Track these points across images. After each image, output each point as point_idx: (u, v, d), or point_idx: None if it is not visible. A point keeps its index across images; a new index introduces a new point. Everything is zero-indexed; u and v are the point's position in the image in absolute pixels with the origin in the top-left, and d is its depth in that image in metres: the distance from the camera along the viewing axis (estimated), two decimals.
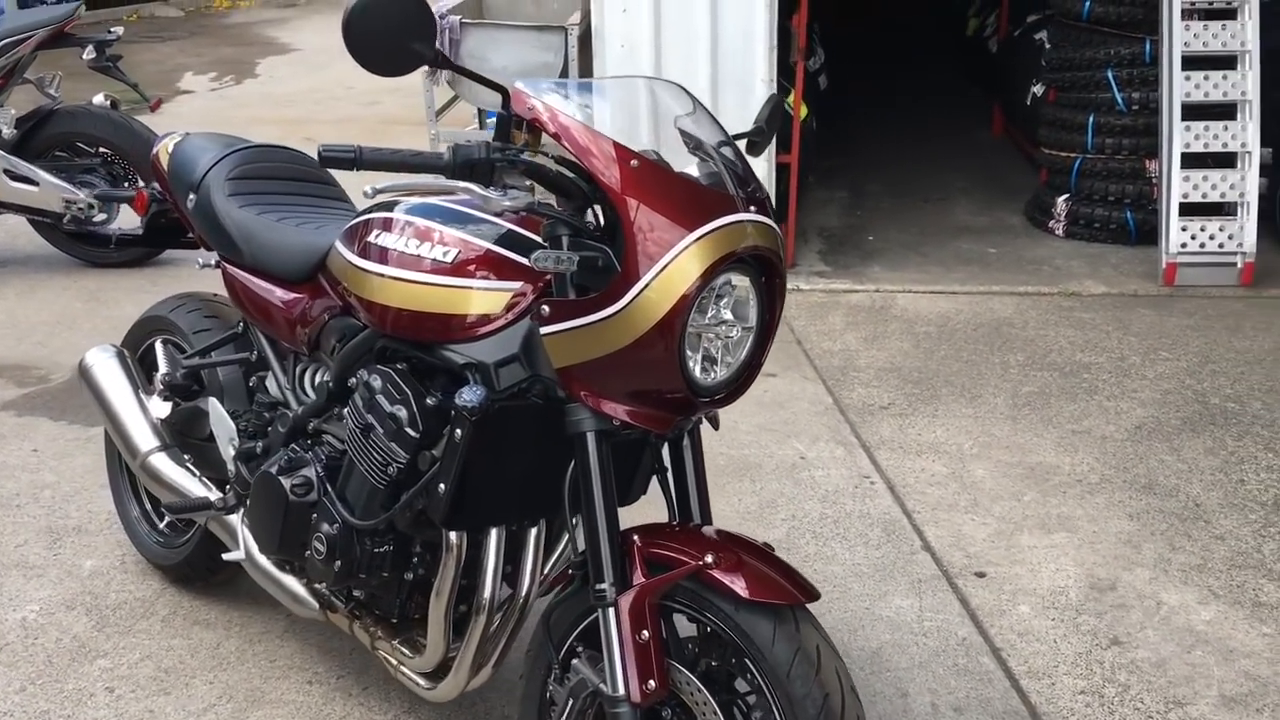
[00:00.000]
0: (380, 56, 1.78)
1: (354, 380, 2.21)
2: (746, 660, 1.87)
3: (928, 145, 7.80)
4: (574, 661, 2.04)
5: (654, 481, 2.19)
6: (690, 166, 1.93)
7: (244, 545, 2.55)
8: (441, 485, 2.04)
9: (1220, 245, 5.29)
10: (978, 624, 2.97)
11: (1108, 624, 2.97)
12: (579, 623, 2.06)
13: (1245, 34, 5.24)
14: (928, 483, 3.66)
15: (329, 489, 2.27)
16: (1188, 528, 3.41)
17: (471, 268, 2.02)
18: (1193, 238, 5.29)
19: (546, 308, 1.89)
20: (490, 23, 5.57)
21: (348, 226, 2.29)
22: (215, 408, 2.66)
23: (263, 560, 2.53)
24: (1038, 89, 6.60)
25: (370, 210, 2.26)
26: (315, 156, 1.86)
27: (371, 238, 2.17)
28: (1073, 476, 3.71)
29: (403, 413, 2.07)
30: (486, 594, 2.16)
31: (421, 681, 2.32)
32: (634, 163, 1.83)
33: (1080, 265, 5.65)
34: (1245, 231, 5.27)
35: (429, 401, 2.07)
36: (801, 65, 5.44)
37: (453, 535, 2.13)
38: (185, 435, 2.84)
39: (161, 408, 2.83)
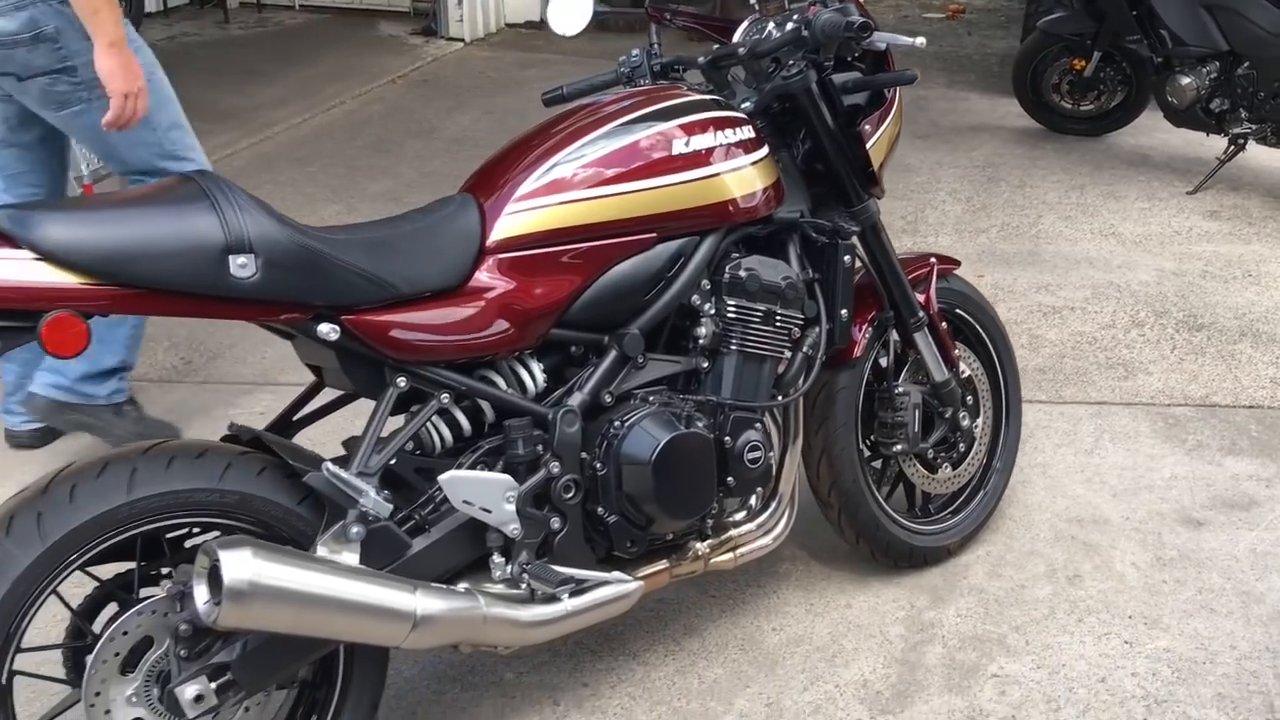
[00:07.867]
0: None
1: (702, 294, 2.23)
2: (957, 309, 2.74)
3: None
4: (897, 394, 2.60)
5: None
6: None
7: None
8: (845, 311, 2.40)
9: None
10: None
11: None
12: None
13: None
14: None
15: (723, 409, 2.24)
16: None
17: (756, 135, 2.30)
18: None
19: (869, 125, 2.41)
20: None
21: (579, 165, 2.13)
22: (462, 477, 2.03)
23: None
24: None
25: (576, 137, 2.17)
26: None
27: (672, 149, 2.18)
28: None
29: (795, 277, 2.31)
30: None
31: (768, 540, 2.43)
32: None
33: None
34: None
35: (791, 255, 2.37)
36: None
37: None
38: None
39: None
